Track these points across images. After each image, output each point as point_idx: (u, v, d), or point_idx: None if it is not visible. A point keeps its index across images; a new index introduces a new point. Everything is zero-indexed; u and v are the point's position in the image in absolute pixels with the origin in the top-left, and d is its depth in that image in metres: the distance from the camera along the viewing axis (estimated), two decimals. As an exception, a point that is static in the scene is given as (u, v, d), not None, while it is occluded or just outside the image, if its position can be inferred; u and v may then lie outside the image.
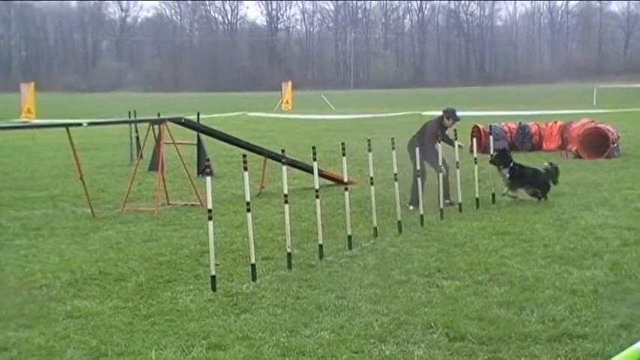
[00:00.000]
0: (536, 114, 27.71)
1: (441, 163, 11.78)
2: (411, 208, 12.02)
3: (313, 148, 9.57)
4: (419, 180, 11.63)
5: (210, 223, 7.82)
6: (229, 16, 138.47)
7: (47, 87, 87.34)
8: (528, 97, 58.29)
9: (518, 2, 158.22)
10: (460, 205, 11.96)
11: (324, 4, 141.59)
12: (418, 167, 11.85)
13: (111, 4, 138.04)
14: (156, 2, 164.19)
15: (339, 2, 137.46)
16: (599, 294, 7.32)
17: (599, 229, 10.29)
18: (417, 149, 11.77)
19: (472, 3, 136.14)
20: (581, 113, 26.55)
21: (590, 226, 10.51)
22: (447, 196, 12.23)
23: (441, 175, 11.75)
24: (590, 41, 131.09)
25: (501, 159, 13.11)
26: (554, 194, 13.31)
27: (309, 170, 12.66)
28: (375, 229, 10.26)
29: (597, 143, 19.07)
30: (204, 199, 9.38)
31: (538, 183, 12.94)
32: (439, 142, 11.79)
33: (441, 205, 11.52)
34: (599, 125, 19.80)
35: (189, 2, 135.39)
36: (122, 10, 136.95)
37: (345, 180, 10.14)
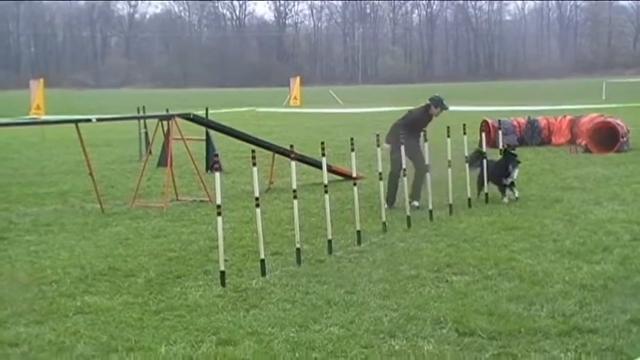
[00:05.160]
0: (546, 109, 27.61)
1: (427, 161, 11.16)
2: (386, 206, 10.61)
3: (322, 143, 9.56)
4: (402, 174, 10.80)
5: (219, 218, 7.82)
6: (237, 12, 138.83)
7: (56, 84, 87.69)
8: (537, 92, 58.08)
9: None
10: (469, 200, 11.94)
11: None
12: (404, 165, 10.81)
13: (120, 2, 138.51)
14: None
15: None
16: (609, 289, 7.29)
17: (609, 224, 10.24)
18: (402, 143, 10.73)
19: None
20: (590, 108, 26.44)
21: (600, 221, 10.47)
22: (416, 197, 11.69)
23: (427, 173, 11.09)
24: (600, 36, 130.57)
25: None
26: (564, 189, 13.28)
27: (318, 165, 12.65)
28: (384, 224, 10.26)
29: (607, 137, 18.99)
30: (213, 194, 9.39)
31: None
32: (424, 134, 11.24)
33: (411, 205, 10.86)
34: (609, 119, 19.73)
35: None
36: (130, 6, 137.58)
37: (354, 175, 10.12)
